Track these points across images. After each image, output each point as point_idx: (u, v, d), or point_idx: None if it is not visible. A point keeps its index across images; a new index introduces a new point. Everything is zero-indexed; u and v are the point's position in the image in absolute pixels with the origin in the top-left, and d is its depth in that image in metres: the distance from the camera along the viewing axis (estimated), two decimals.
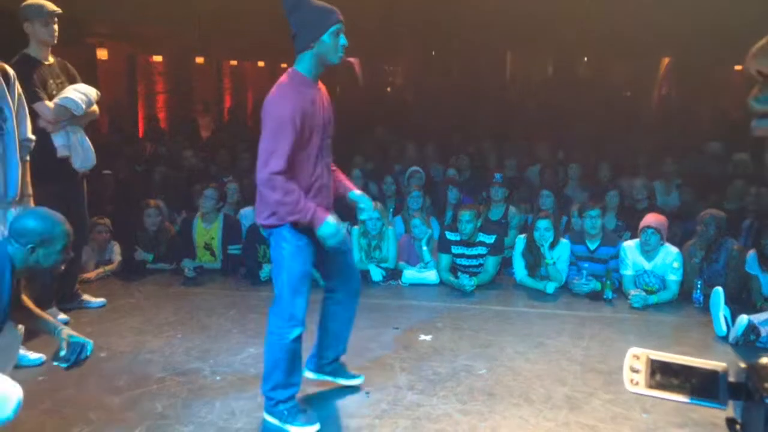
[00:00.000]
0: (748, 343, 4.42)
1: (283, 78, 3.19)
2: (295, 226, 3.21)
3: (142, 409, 3.55)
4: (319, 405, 3.62)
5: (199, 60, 14.87)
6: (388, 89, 20.20)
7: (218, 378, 3.95)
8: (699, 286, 5.25)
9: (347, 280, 3.62)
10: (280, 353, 3.31)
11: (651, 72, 17.50)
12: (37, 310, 3.18)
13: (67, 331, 3.04)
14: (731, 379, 1.28)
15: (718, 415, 3.63)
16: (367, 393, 3.77)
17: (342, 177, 3.64)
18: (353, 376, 3.84)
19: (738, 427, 1.28)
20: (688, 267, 5.43)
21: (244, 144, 9.85)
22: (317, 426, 3.34)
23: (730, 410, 1.54)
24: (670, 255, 5.37)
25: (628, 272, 5.47)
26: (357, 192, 3.64)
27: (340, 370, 3.82)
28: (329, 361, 3.77)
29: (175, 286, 5.83)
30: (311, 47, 3.12)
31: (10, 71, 4.02)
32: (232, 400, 3.66)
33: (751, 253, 5.15)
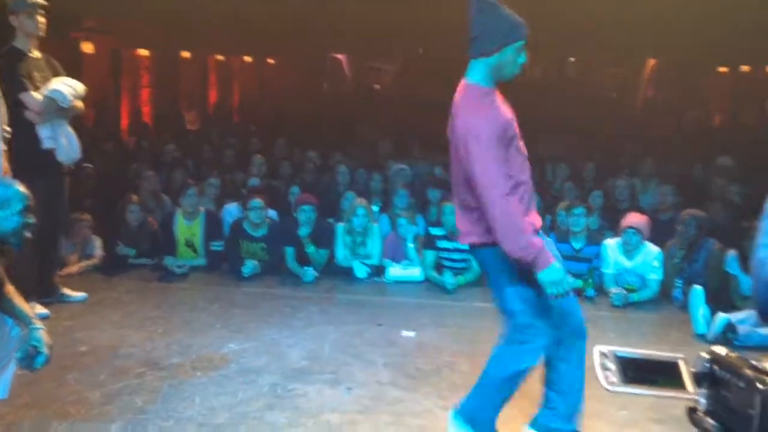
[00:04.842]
0: (726, 341, 4.45)
1: (465, 95, 2.87)
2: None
3: (122, 403, 3.53)
4: (301, 400, 3.62)
5: (185, 54, 14.78)
6: (377, 86, 20.18)
7: (199, 373, 3.94)
8: (679, 284, 5.30)
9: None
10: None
11: (637, 73, 17.60)
12: (18, 300, 3.07)
13: (39, 333, 2.93)
14: (692, 369, 1.32)
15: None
16: (349, 389, 3.77)
17: None
18: None
19: (700, 414, 1.31)
20: (669, 266, 5.47)
21: (229, 139, 9.84)
22: None
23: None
24: (650, 254, 5.42)
25: (609, 271, 5.52)
26: None
27: None
28: None
29: (156, 281, 5.81)
30: (489, 56, 2.83)
31: None
32: (212, 396, 3.64)
33: (731, 253, 5.21)
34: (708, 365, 1.28)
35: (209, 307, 5.14)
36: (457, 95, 2.92)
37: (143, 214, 6.24)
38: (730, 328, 4.46)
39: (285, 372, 3.96)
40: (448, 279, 5.60)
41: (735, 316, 4.52)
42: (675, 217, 5.90)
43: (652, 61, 17.09)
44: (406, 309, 5.20)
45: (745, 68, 14.52)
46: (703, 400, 1.30)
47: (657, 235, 5.70)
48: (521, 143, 2.93)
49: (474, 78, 2.88)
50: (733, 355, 1.28)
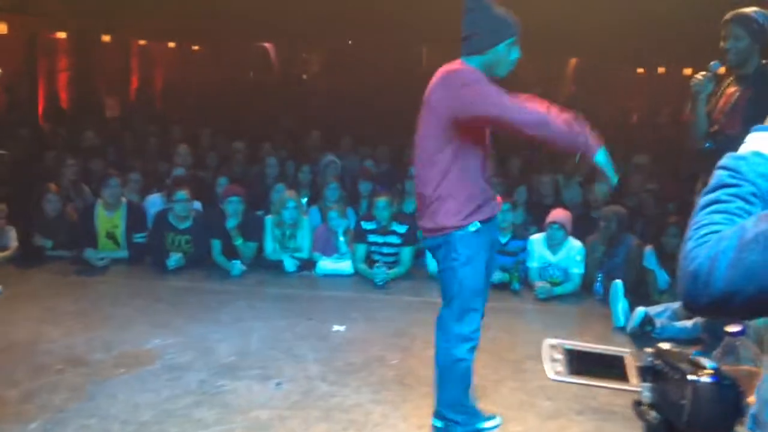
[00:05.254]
0: (644, 334, 4.64)
1: (455, 65, 2.95)
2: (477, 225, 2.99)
3: (41, 402, 3.39)
4: (229, 396, 3.56)
5: (106, 38, 14.22)
6: (304, 76, 20.01)
7: (122, 370, 3.82)
8: (600, 279, 5.49)
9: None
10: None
11: (559, 71, 18.12)
12: None
13: None
14: (638, 363, 1.41)
15: (615, 402, 3.84)
16: (279, 384, 3.74)
17: None
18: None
19: (644, 407, 1.39)
20: (590, 261, 5.66)
21: (152, 128, 9.54)
22: None
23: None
24: (573, 249, 5.59)
25: (534, 265, 5.66)
26: None
27: None
28: None
29: (75, 274, 5.59)
30: (482, 53, 2.90)
31: None
32: (136, 393, 3.54)
33: (649, 249, 5.44)
34: (651, 359, 1.36)
35: (132, 301, 4.98)
36: (445, 66, 2.95)
37: (61, 204, 6.00)
38: (647, 320, 4.64)
39: (212, 368, 3.89)
40: (378, 273, 5.62)
41: (652, 310, 4.71)
42: None
43: (573, 60, 17.63)
44: (336, 303, 5.19)
45: (661, 70, 15.19)
46: (646, 393, 1.38)
47: (590, 232, 5.87)
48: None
49: (471, 63, 2.92)
50: (675, 349, 1.36)
